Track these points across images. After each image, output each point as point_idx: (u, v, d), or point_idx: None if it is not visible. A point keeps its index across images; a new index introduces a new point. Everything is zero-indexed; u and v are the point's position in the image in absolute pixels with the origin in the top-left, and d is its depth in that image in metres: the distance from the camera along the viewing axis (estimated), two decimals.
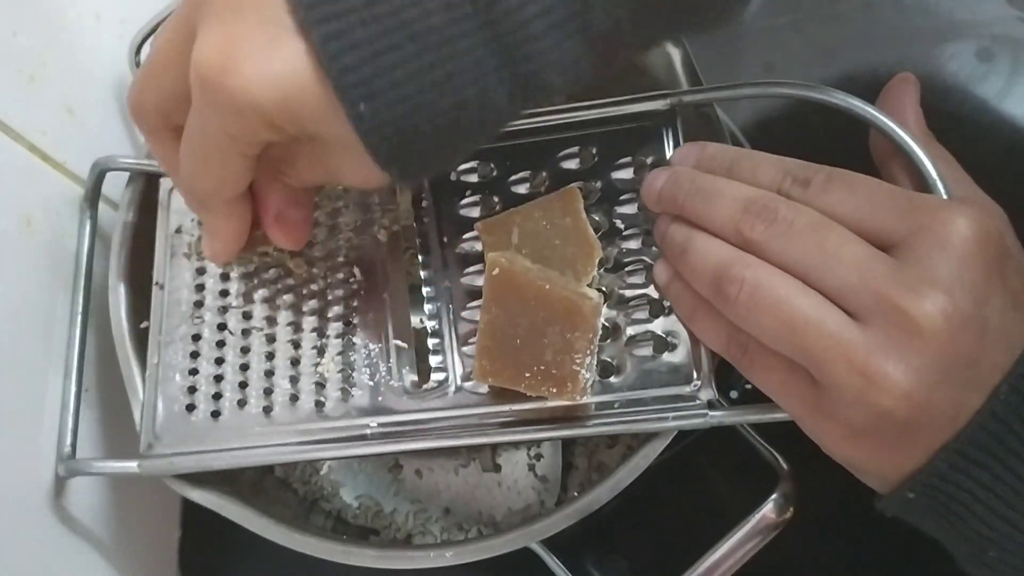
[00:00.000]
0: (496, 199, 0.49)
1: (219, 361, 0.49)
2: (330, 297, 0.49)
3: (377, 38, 0.33)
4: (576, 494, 0.51)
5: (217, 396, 0.48)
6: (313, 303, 0.49)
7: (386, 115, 0.34)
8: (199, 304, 0.50)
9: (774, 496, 0.45)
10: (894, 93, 0.46)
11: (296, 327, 0.49)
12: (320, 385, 0.47)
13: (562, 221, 0.46)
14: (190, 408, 0.48)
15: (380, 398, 0.47)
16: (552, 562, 0.47)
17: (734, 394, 0.49)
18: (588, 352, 0.43)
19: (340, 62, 0.33)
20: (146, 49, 0.57)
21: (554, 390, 0.43)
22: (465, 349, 0.47)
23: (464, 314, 0.48)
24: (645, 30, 0.38)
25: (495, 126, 0.37)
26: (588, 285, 0.45)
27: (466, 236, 0.49)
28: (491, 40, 0.34)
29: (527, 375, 0.43)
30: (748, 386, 0.45)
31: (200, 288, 0.50)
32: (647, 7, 0.36)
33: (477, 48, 0.34)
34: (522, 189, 0.49)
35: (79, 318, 0.51)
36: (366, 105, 0.33)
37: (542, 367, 0.43)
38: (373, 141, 0.34)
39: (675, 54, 0.52)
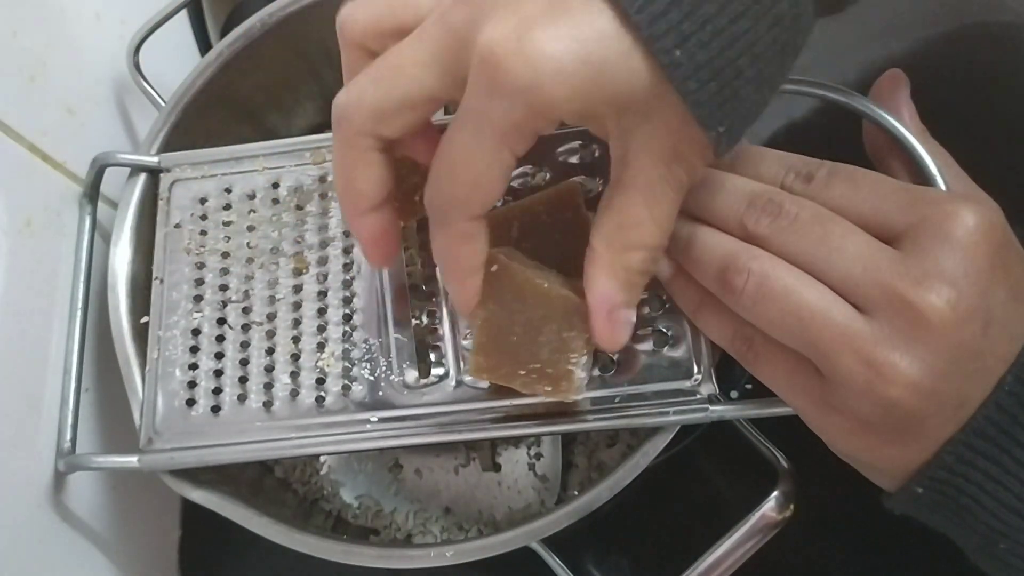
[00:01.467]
0: None
1: (219, 356, 0.49)
2: (330, 292, 0.49)
3: (694, 7, 0.31)
4: (576, 493, 0.50)
5: (217, 391, 0.48)
6: (313, 297, 0.49)
7: (702, 55, 0.32)
8: (199, 299, 0.50)
9: (774, 494, 0.45)
10: (886, 89, 0.46)
11: (296, 322, 0.49)
12: (320, 380, 0.47)
13: (563, 216, 0.45)
14: (190, 403, 0.48)
15: (380, 393, 0.47)
16: (552, 561, 0.47)
17: (734, 394, 0.49)
18: (584, 352, 0.42)
19: (648, 12, 0.31)
20: (145, 50, 0.57)
21: (548, 388, 0.42)
22: (465, 344, 0.47)
23: None
24: None
25: (803, 44, 0.36)
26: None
27: None
28: None
29: (522, 373, 0.42)
30: (749, 386, 0.45)
31: (200, 283, 0.50)
32: None
33: None
34: (520, 183, 0.49)
35: (79, 313, 0.51)
36: (681, 51, 0.31)
37: (537, 365, 0.42)
38: (694, 91, 0.32)
39: None
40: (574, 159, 0.49)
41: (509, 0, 0.32)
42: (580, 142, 0.49)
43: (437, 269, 0.49)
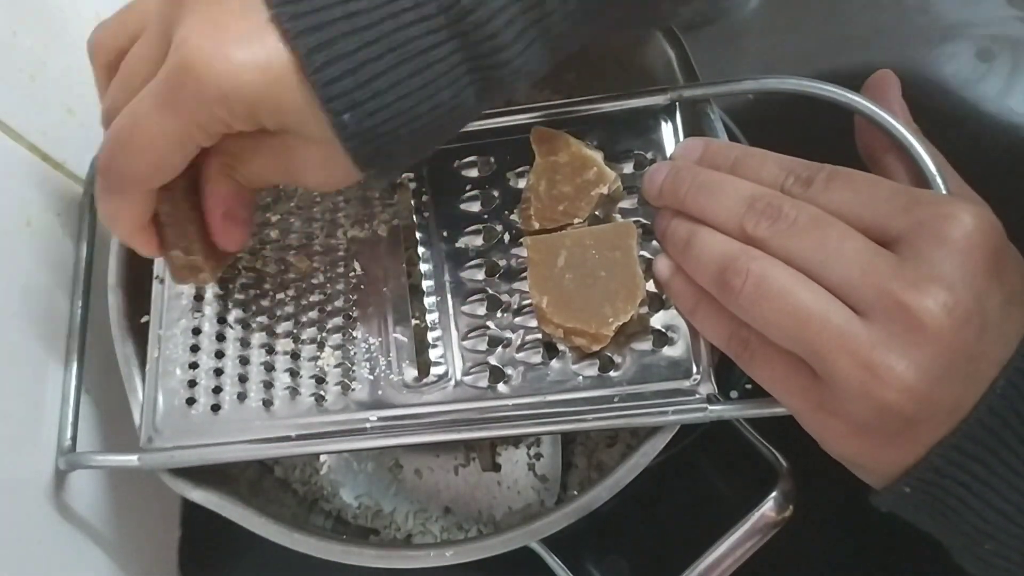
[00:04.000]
0: (496, 193, 0.49)
1: (219, 355, 0.49)
2: (330, 291, 0.49)
3: (359, 49, 0.34)
4: (576, 493, 0.50)
5: (217, 390, 0.48)
6: (313, 297, 0.49)
7: (368, 123, 0.36)
8: (199, 298, 0.50)
9: (773, 494, 0.45)
10: (878, 89, 0.46)
11: (296, 321, 0.49)
12: (320, 379, 0.48)
13: (612, 254, 0.45)
14: (190, 402, 0.48)
15: (380, 392, 0.47)
16: (552, 561, 0.47)
17: (734, 394, 0.48)
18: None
19: (325, 74, 0.34)
20: None
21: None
22: (465, 343, 0.47)
23: (464, 308, 0.48)
24: (597, 27, 0.40)
25: (463, 123, 0.40)
26: (623, 324, 0.45)
27: (466, 230, 0.49)
28: (463, 49, 0.36)
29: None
30: (748, 386, 0.45)
31: None
32: (598, 7, 0.39)
33: (450, 56, 0.36)
34: (522, 183, 0.49)
35: (79, 313, 0.51)
36: (350, 115, 0.35)
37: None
38: (354, 146, 0.36)
39: (673, 54, 0.52)
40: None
41: (209, 5, 0.35)
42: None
43: (436, 269, 0.49)
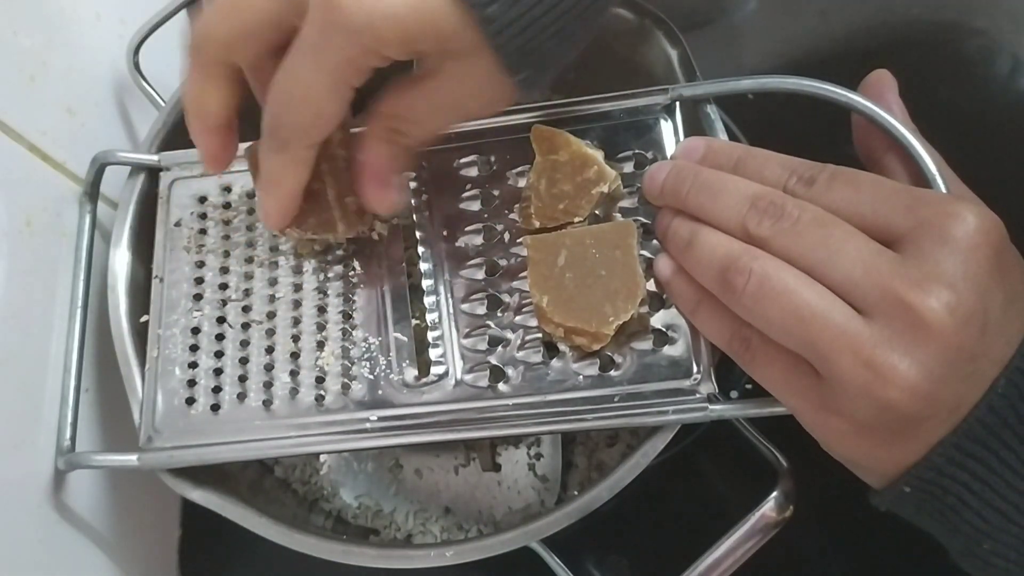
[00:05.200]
0: (496, 192, 0.49)
1: (219, 354, 0.49)
2: (330, 291, 0.49)
3: None
4: (576, 493, 0.50)
5: (217, 390, 0.48)
6: (313, 297, 0.49)
7: (513, 12, 0.35)
8: (198, 297, 0.50)
9: (774, 494, 0.45)
10: (875, 88, 0.46)
11: (296, 321, 0.49)
12: (320, 379, 0.48)
13: (612, 253, 0.45)
14: (190, 402, 0.48)
15: (380, 392, 0.47)
16: (552, 561, 0.47)
17: (734, 394, 0.49)
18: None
19: None
20: (145, 50, 0.57)
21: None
22: (465, 343, 0.47)
23: (464, 308, 0.48)
24: None
25: (603, 15, 0.40)
26: (623, 323, 0.45)
27: (467, 229, 0.49)
28: None
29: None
30: (748, 386, 0.45)
31: (199, 281, 0.50)
32: None
33: None
34: (522, 183, 0.49)
35: (78, 312, 0.51)
36: (495, 6, 0.35)
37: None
38: (502, 42, 0.36)
39: (673, 53, 0.52)
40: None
41: None
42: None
43: (436, 268, 0.49)
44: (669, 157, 0.48)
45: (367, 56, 0.36)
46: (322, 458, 0.60)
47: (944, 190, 0.42)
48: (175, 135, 0.54)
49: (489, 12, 0.35)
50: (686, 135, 0.48)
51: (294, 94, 0.38)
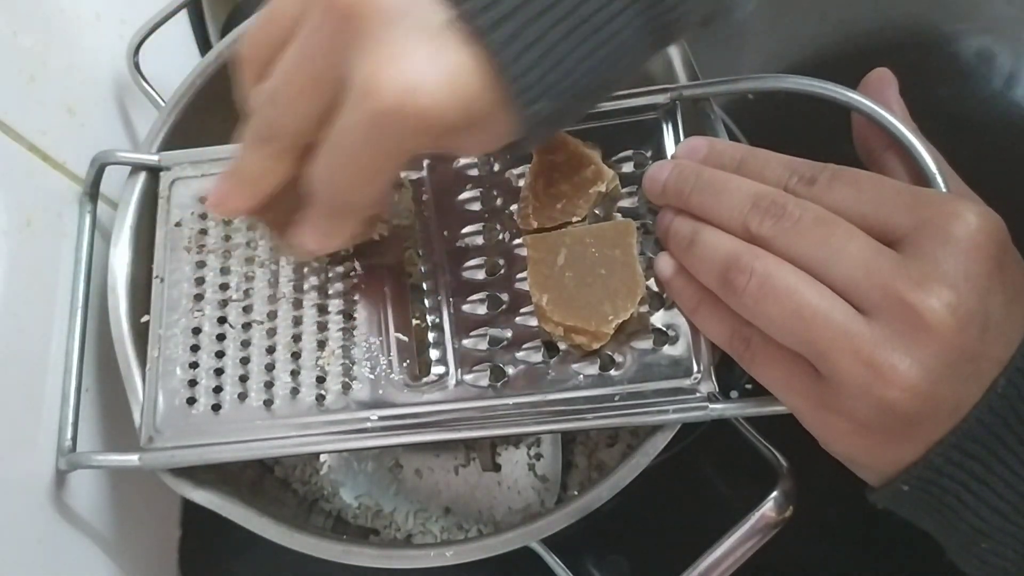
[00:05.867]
0: (496, 192, 0.49)
1: (219, 354, 0.49)
2: (330, 291, 0.49)
3: (546, 33, 0.34)
4: (576, 493, 0.50)
5: (218, 389, 0.48)
6: (314, 296, 0.49)
7: (557, 105, 0.36)
8: (199, 297, 0.50)
9: (774, 494, 0.45)
10: (875, 87, 0.46)
11: (296, 320, 0.49)
12: (320, 379, 0.48)
13: (612, 252, 0.46)
14: (191, 402, 0.48)
15: (380, 391, 0.47)
16: (552, 561, 0.47)
17: (734, 394, 0.48)
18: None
19: (519, 65, 0.34)
20: (145, 50, 0.57)
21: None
22: (465, 342, 0.47)
23: (464, 308, 0.48)
24: None
25: (629, 80, 0.41)
26: (623, 322, 0.45)
27: (466, 230, 0.49)
28: (643, 12, 0.36)
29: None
30: (749, 386, 0.45)
31: (200, 281, 0.50)
32: None
33: (633, 22, 0.36)
34: (522, 183, 0.49)
35: (79, 312, 0.51)
36: (543, 102, 0.35)
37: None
38: (539, 130, 0.37)
39: (674, 53, 0.52)
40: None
41: (372, 26, 0.34)
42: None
43: (436, 268, 0.49)
44: (670, 157, 0.48)
45: (419, 148, 0.36)
46: (322, 458, 0.60)
47: (944, 189, 0.42)
48: (175, 135, 0.54)
49: (537, 108, 0.35)
50: (686, 135, 0.48)
51: (354, 178, 0.37)
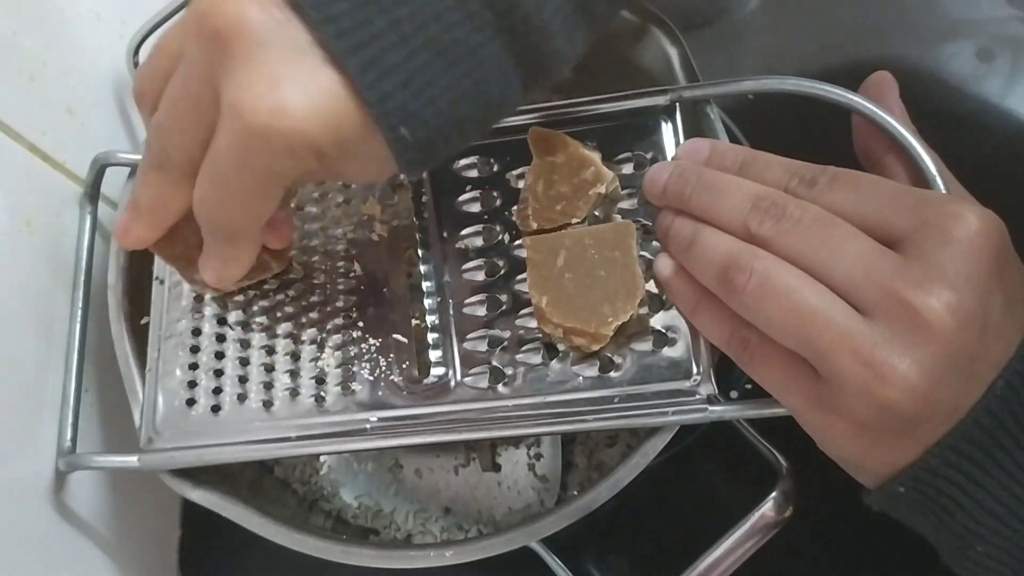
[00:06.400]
0: (496, 194, 0.49)
1: (219, 356, 0.49)
2: (330, 292, 0.49)
3: (408, 59, 0.34)
4: (576, 493, 0.51)
5: (217, 391, 0.48)
6: (313, 298, 0.49)
7: (422, 132, 0.36)
8: (199, 299, 0.50)
9: (773, 494, 0.45)
10: (876, 90, 0.46)
11: (296, 322, 0.49)
12: (320, 380, 0.48)
13: (611, 254, 0.45)
14: (190, 403, 0.48)
15: (380, 393, 0.47)
16: (552, 561, 0.47)
17: (734, 394, 0.49)
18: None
19: (378, 90, 0.34)
20: (145, 50, 0.57)
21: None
22: (465, 344, 0.47)
23: (464, 309, 0.48)
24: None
25: (504, 117, 0.41)
26: (623, 323, 0.45)
27: (466, 231, 0.49)
28: (510, 43, 0.36)
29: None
30: (748, 386, 0.45)
31: None
32: None
33: (499, 53, 0.36)
34: (521, 184, 0.49)
35: (79, 313, 0.51)
36: (405, 128, 0.35)
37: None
38: (408, 156, 0.36)
39: (673, 54, 0.52)
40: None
41: (245, 47, 0.34)
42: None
43: (436, 270, 0.49)
44: (671, 158, 0.48)
45: (290, 172, 0.36)
46: (322, 458, 0.60)
47: (944, 191, 0.42)
48: None
49: (402, 132, 0.35)
50: (686, 137, 0.48)
51: (226, 200, 0.38)
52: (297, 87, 0.34)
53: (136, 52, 0.57)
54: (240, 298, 0.49)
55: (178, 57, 0.37)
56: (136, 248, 0.44)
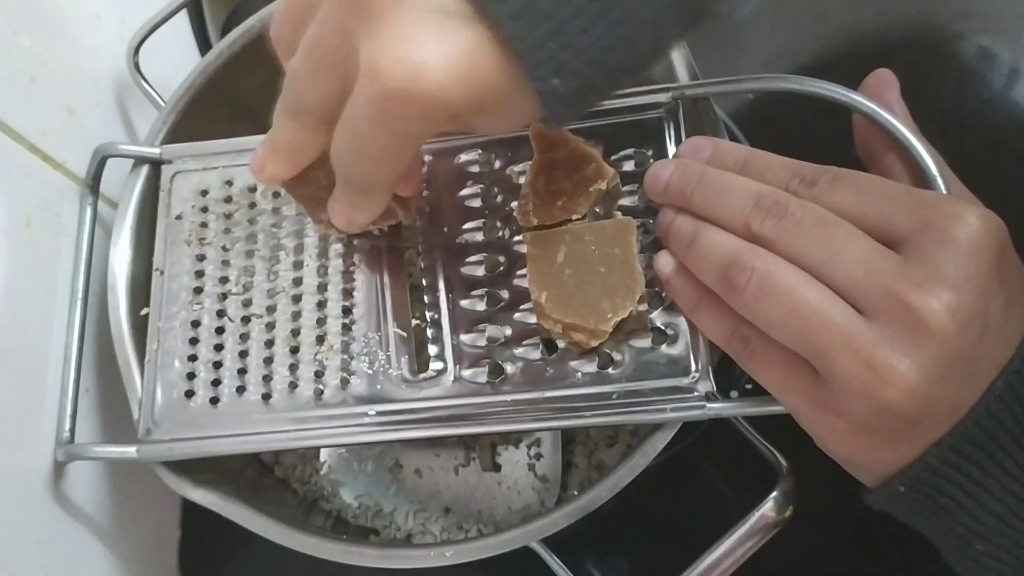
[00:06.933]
0: (496, 189, 0.49)
1: (218, 348, 0.49)
2: (330, 286, 0.49)
3: (560, 6, 0.33)
4: (576, 493, 0.51)
5: (216, 383, 0.48)
6: (313, 290, 0.49)
7: (574, 83, 0.35)
8: (199, 291, 0.50)
9: (773, 494, 0.45)
10: (876, 88, 0.46)
11: (296, 315, 0.49)
12: (319, 373, 0.48)
13: (611, 250, 0.45)
14: (189, 394, 0.48)
15: (378, 386, 0.47)
16: (552, 561, 0.47)
17: (734, 394, 0.48)
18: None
19: (528, 40, 0.33)
20: (146, 50, 0.57)
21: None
22: (464, 339, 0.47)
23: (464, 304, 0.48)
24: None
25: (659, 62, 0.42)
26: (622, 320, 0.45)
27: (466, 226, 0.49)
28: None
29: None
30: (749, 387, 0.45)
31: (200, 275, 0.50)
32: None
33: (657, 2, 0.35)
34: (522, 180, 0.49)
35: (78, 306, 0.51)
36: (558, 79, 0.34)
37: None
38: (559, 110, 0.36)
39: (674, 54, 0.52)
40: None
41: (383, 6, 0.34)
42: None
43: (435, 264, 0.49)
44: (673, 156, 0.48)
45: (428, 132, 0.36)
46: (322, 458, 0.60)
47: (945, 191, 0.42)
48: (175, 135, 0.55)
49: (553, 84, 0.34)
50: (687, 135, 0.48)
51: (370, 158, 0.38)
52: (436, 49, 0.33)
53: (136, 52, 0.57)
54: (240, 290, 0.50)
55: (314, 3, 0.37)
56: (270, 184, 0.45)
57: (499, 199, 0.49)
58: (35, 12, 0.51)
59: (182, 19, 0.64)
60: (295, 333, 0.48)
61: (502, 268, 0.48)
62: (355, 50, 0.34)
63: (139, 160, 0.53)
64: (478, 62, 0.34)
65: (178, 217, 0.51)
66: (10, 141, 0.49)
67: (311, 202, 0.45)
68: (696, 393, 0.45)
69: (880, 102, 0.45)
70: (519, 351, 0.47)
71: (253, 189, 0.52)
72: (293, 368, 0.48)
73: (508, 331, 0.47)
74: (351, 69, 0.35)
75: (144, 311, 0.50)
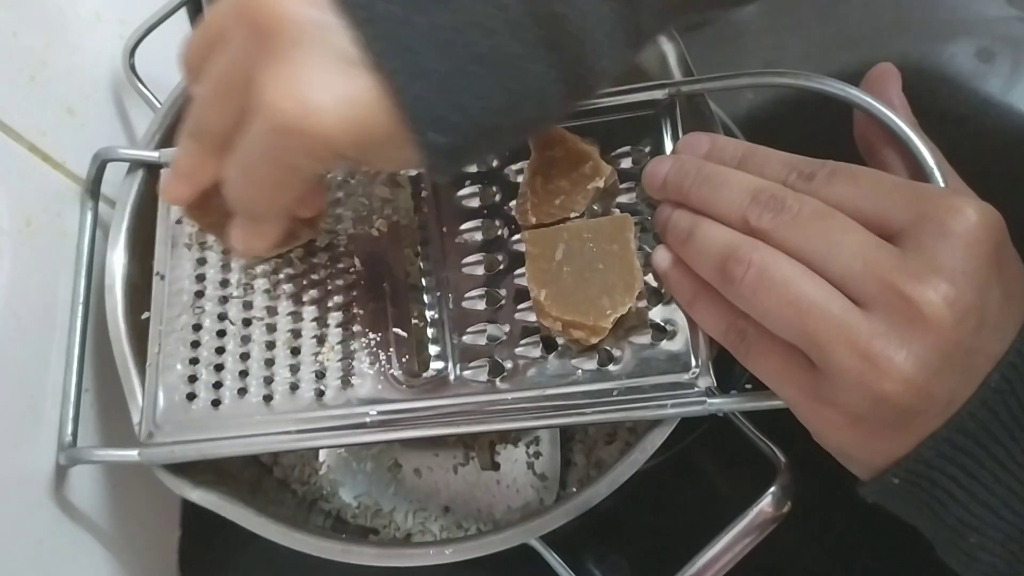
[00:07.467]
0: (495, 189, 0.49)
1: (219, 350, 0.49)
2: (330, 287, 0.49)
3: (446, 65, 0.34)
4: (575, 490, 0.50)
5: (217, 385, 0.48)
6: (313, 293, 0.49)
7: (454, 139, 0.36)
8: (200, 294, 0.50)
9: (772, 490, 0.44)
10: (877, 83, 0.46)
11: (296, 316, 0.49)
12: (320, 374, 0.48)
13: (609, 247, 0.46)
14: (190, 397, 0.48)
15: (379, 387, 0.47)
16: (552, 559, 0.47)
17: (734, 393, 0.48)
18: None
19: (411, 94, 0.34)
20: (142, 51, 0.57)
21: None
22: (464, 338, 0.48)
23: (463, 303, 0.48)
24: (680, 18, 0.41)
25: (541, 129, 0.42)
26: (621, 316, 0.45)
27: (465, 226, 0.49)
28: (554, 58, 0.35)
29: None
30: (748, 385, 0.45)
31: (201, 278, 0.50)
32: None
33: (541, 67, 0.36)
34: (520, 179, 0.49)
35: (80, 309, 0.51)
36: (435, 134, 0.35)
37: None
38: (438, 163, 0.36)
39: (669, 50, 0.52)
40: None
41: (283, 46, 0.35)
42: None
43: (435, 264, 0.49)
44: (670, 151, 0.48)
45: (315, 169, 0.38)
46: (321, 458, 0.60)
47: (943, 184, 0.42)
48: (172, 136, 0.54)
49: (430, 138, 0.35)
50: (684, 131, 0.48)
51: (253, 184, 0.39)
52: (327, 91, 0.34)
53: (132, 54, 0.57)
54: (240, 291, 0.50)
55: (222, 34, 0.38)
56: (176, 205, 0.47)
57: (497, 198, 0.49)
58: (35, 12, 0.52)
59: (182, 19, 0.64)
60: (296, 334, 0.49)
61: (501, 267, 0.48)
62: (255, 83, 0.35)
63: (138, 164, 0.54)
64: (367, 109, 0.34)
65: (178, 221, 0.51)
66: (10, 141, 0.49)
67: (216, 230, 0.46)
68: (696, 389, 0.45)
69: (880, 97, 0.45)
70: (519, 349, 0.47)
71: None
72: (294, 369, 0.48)
73: (508, 330, 0.47)
74: (247, 100, 0.36)
75: (145, 315, 0.50)
